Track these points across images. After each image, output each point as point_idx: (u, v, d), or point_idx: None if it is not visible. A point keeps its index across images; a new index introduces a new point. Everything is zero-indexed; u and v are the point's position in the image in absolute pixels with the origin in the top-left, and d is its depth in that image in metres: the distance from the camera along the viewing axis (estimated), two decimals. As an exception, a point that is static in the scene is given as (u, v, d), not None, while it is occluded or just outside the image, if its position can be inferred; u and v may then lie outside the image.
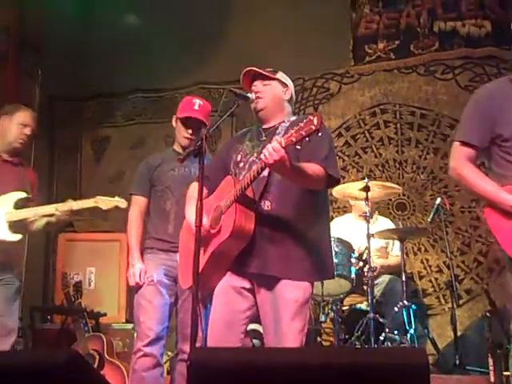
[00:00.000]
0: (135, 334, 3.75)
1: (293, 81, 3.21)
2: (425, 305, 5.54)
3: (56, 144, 6.82)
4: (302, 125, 2.54)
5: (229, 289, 2.93)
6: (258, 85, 3.05)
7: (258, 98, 3.01)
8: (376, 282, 4.79)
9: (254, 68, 3.06)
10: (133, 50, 6.48)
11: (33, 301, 5.55)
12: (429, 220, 4.88)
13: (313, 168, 2.79)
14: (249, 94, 2.99)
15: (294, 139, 2.55)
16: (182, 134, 3.75)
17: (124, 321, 5.40)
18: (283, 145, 2.58)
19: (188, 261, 2.74)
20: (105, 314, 5.17)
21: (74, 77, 6.65)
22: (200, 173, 2.67)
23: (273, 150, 2.59)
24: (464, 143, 2.85)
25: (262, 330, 3.28)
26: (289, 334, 2.80)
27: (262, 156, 2.64)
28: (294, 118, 3.08)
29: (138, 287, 3.59)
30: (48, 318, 5.51)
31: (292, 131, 2.57)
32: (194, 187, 3.11)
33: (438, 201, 4.82)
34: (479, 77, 5.83)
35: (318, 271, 2.97)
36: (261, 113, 3.04)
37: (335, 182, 2.95)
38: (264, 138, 3.03)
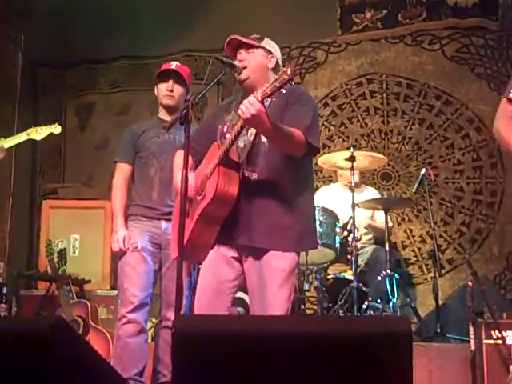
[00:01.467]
0: (119, 301, 3.75)
1: (279, 50, 3.17)
2: (408, 274, 5.60)
3: (40, 111, 6.74)
4: (277, 77, 2.56)
5: (217, 258, 2.93)
6: (242, 53, 3.01)
7: (242, 67, 2.98)
8: (360, 251, 4.83)
9: (237, 36, 3.01)
10: (118, 17, 6.41)
11: (17, 267, 5.54)
12: (413, 190, 4.90)
13: (293, 131, 2.77)
14: (235, 62, 2.96)
15: (268, 91, 2.57)
16: (162, 93, 3.74)
17: (108, 288, 5.40)
18: (259, 98, 2.58)
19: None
20: (89, 281, 5.17)
21: (58, 43, 6.56)
22: (186, 140, 2.65)
23: (249, 103, 2.59)
24: (509, 100, 2.70)
25: (247, 299, 3.31)
26: (275, 302, 2.82)
27: (239, 111, 2.63)
28: None
29: (122, 253, 3.58)
30: (32, 285, 5.51)
31: (267, 84, 2.60)
32: (178, 157, 3.09)
33: (423, 171, 4.83)
34: (466, 47, 5.83)
35: (304, 242, 2.99)
36: (245, 82, 3.01)
37: (315, 151, 2.93)
38: None
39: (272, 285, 2.83)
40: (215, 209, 2.82)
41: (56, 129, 4.15)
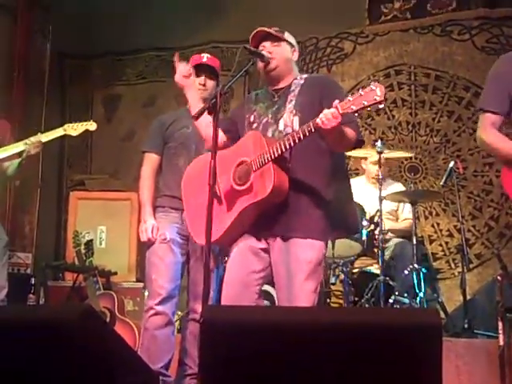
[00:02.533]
0: (146, 293, 3.75)
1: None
2: (434, 269, 5.54)
3: (67, 103, 6.79)
4: (362, 93, 2.51)
5: (245, 249, 2.92)
6: (267, 46, 3.01)
7: (270, 58, 2.98)
8: (387, 245, 4.80)
9: (265, 28, 3.01)
10: (145, 7, 6.42)
11: (45, 258, 5.60)
12: (441, 183, 4.84)
13: (350, 133, 2.80)
14: (264, 52, 2.95)
15: (354, 107, 2.53)
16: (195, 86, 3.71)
17: (134, 280, 5.43)
18: (340, 111, 2.56)
19: (202, 213, 2.72)
20: (116, 273, 5.20)
21: (85, 34, 6.60)
22: (214, 130, 2.64)
23: (332, 115, 2.56)
24: (485, 110, 2.91)
25: (272, 292, 3.31)
26: (301, 294, 2.81)
27: (318, 121, 2.60)
28: (306, 76, 3.09)
29: (150, 244, 3.57)
30: (60, 276, 5.56)
31: (350, 98, 2.54)
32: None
33: (451, 164, 4.77)
34: (496, 38, 5.74)
35: (337, 228, 2.98)
36: (272, 73, 3.01)
37: (361, 144, 2.98)
38: (276, 99, 3.02)
39: (298, 276, 2.82)
40: (265, 204, 2.82)
41: (91, 126, 4.22)
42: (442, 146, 5.79)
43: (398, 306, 4.50)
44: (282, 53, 3.02)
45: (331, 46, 6.21)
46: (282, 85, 3.04)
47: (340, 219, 2.96)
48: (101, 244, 5.61)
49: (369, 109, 2.55)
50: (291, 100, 2.93)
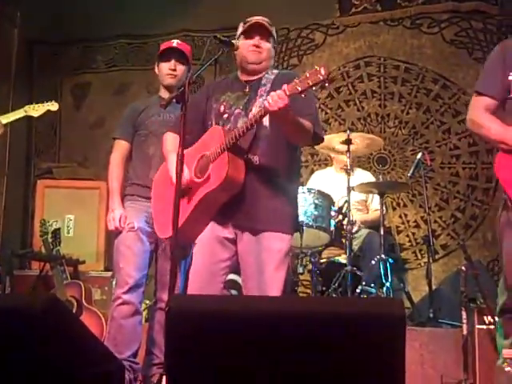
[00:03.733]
0: (114, 282, 3.74)
1: (278, 30, 3.17)
2: (401, 259, 5.61)
3: (35, 90, 6.67)
4: (307, 75, 2.56)
5: (211, 239, 2.94)
6: (260, 41, 3.02)
7: (259, 49, 2.99)
8: (355, 235, 4.83)
9: (265, 23, 3.02)
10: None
11: (11, 246, 5.52)
12: (409, 174, 4.88)
13: (305, 123, 2.83)
14: (234, 41, 2.94)
15: (299, 88, 2.57)
16: (165, 72, 3.66)
17: (102, 269, 5.39)
18: (287, 93, 2.59)
19: (166, 210, 2.74)
20: (83, 262, 5.16)
21: (54, 21, 6.50)
22: (182, 119, 2.63)
23: (278, 97, 2.59)
24: (480, 93, 2.87)
25: (239, 281, 3.32)
26: (273, 283, 2.85)
27: (265, 103, 2.65)
28: (276, 71, 3.10)
29: (118, 233, 3.56)
30: (26, 265, 5.50)
31: (297, 80, 2.58)
32: (168, 140, 3.12)
33: (419, 156, 4.82)
34: (465, 31, 5.80)
35: (296, 223, 3.11)
36: (257, 65, 3.02)
37: (320, 141, 3.01)
38: (247, 91, 3.03)
39: (270, 267, 2.86)
40: (220, 193, 2.83)
41: (53, 106, 4.17)
42: (411, 137, 5.84)
43: (365, 296, 4.54)
44: (268, 50, 3.04)
45: (302, 37, 6.22)
46: (255, 77, 3.05)
47: (297, 214, 3.10)
48: (68, 233, 5.56)
49: (314, 88, 2.59)
50: (262, 95, 2.94)
